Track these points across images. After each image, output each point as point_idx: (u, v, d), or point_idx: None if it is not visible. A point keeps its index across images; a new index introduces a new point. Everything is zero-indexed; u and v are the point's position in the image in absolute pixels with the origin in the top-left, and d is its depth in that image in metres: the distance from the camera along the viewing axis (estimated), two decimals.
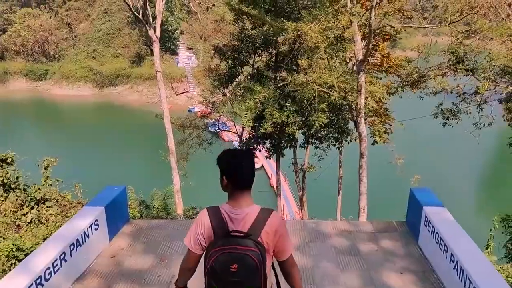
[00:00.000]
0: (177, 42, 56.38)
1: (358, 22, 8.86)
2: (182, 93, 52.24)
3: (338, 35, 10.54)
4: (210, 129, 29.39)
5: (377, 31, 9.53)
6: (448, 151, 34.14)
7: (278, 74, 13.27)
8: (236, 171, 2.17)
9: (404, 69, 15.26)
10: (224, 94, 16.65)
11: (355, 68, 9.98)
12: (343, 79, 10.05)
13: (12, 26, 57.94)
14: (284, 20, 10.02)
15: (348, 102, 11.16)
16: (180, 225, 5.61)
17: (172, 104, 49.06)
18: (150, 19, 12.69)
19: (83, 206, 12.65)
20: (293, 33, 8.91)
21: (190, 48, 57.18)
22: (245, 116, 10.80)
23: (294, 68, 12.65)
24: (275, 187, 22.13)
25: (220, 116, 18.15)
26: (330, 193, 21.34)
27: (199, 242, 2.19)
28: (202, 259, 2.21)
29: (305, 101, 11.46)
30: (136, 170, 31.31)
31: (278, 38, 11.97)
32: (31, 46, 58.51)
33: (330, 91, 10.27)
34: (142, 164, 33.57)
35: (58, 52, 59.14)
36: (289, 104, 12.34)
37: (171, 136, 13.90)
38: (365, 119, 10.79)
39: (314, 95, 10.00)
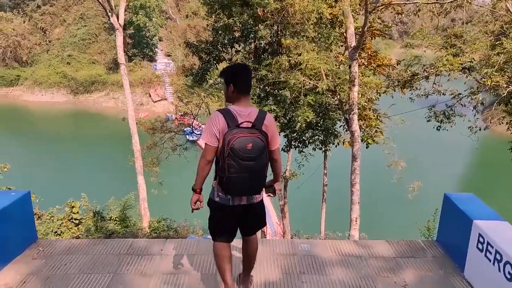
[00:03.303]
0: (156, 49, 54.76)
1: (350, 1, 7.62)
2: (160, 100, 50.41)
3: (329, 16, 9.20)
4: (187, 138, 27.82)
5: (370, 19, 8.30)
6: (443, 153, 33.43)
7: (258, 72, 11.91)
8: (241, 78, 2.77)
9: (394, 68, 14.22)
10: (199, 95, 15.13)
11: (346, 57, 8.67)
12: (333, 68, 8.72)
13: None
14: None
15: (338, 97, 9.82)
16: (113, 248, 3.83)
17: (149, 112, 47.19)
18: (113, 4, 11.15)
19: (39, 217, 11.00)
20: (276, 3, 7.53)
21: (169, 55, 55.62)
22: None
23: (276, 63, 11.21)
24: None
25: (194, 120, 16.55)
26: (314, 203, 19.99)
27: (215, 135, 2.66)
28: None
29: (288, 97, 10.06)
30: (104, 178, 29.37)
31: (259, 26, 10.57)
32: (3, 51, 55.93)
33: (317, 83, 8.92)
34: (111, 172, 31.57)
35: (31, 58, 56.64)
36: (270, 103, 10.95)
37: (136, 138, 12.30)
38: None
39: (300, 86, 8.61)
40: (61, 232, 9.82)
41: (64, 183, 26.22)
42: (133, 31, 52.17)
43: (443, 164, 32.00)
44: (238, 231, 3.01)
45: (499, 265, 2.76)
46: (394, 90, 13.42)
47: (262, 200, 2.93)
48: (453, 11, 12.55)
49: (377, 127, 13.35)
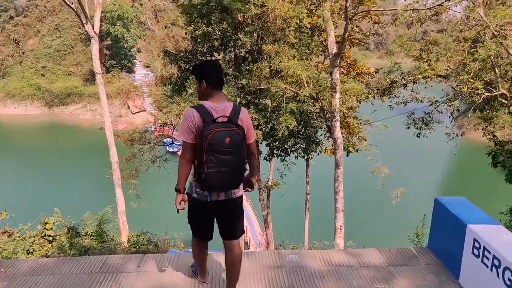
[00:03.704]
0: (134, 60, 54.09)
1: (330, 7, 7.62)
2: (139, 111, 49.63)
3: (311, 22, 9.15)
4: (168, 149, 27.32)
5: (352, 23, 8.32)
6: (423, 159, 33.96)
7: (238, 81, 11.76)
8: (213, 73, 2.78)
9: (373, 76, 14.39)
10: (178, 104, 14.83)
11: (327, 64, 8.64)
12: (314, 75, 8.66)
13: None
14: None
15: (319, 104, 9.76)
16: (84, 266, 3.51)
17: (128, 123, 46.35)
18: (87, 12, 10.83)
19: (9, 235, 10.40)
20: (257, 9, 7.40)
21: (148, 66, 55.04)
22: None
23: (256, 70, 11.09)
24: None
25: (174, 130, 16.21)
26: (297, 212, 19.87)
27: (192, 131, 2.66)
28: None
29: (269, 106, 9.93)
30: (81, 191, 28.47)
31: (239, 34, 10.45)
32: None
33: (299, 90, 8.84)
34: (88, 185, 30.63)
35: (3, 69, 54.95)
36: (252, 111, 10.80)
37: (114, 149, 11.90)
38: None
39: (281, 94, 8.50)
40: (33, 250, 9.28)
41: (39, 198, 25.22)
42: (110, 42, 51.44)
43: (423, 170, 32.59)
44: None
45: (497, 271, 2.63)
46: (374, 98, 13.54)
47: (241, 196, 2.89)
48: (428, 21, 12.86)
49: (357, 135, 13.42)
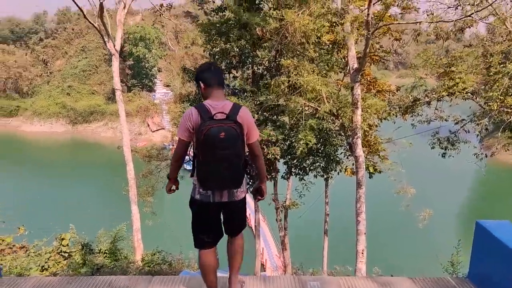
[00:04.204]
0: (155, 79, 55.33)
1: (352, 21, 7.39)
2: (158, 129, 50.27)
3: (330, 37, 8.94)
4: (185, 166, 27.33)
5: (373, 37, 8.04)
6: (448, 180, 32.64)
7: (256, 97, 11.61)
8: (209, 73, 2.82)
9: (394, 94, 13.99)
10: None
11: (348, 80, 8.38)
12: (334, 91, 8.39)
13: None
14: (265, 5, 8.30)
15: (340, 121, 9.43)
16: (88, 287, 3.21)
17: (147, 141, 46.96)
18: (109, 30, 11.01)
19: (27, 250, 10.36)
20: (276, 23, 7.24)
21: (168, 86, 56.14)
22: None
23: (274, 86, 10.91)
24: (253, 227, 19.76)
25: (191, 147, 16.11)
26: (315, 233, 19.23)
27: (188, 129, 2.67)
28: None
29: (287, 123, 9.67)
30: (98, 208, 28.65)
31: (257, 52, 10.36)
32: (4, 82, 56.67)
33: (318, 106, 8.57)
34: (106, 202, 30.83)
35: (31, 89, 57.29)
36: (269, 128, 10.56)
37: (131, 165, 11.82)
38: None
39: (300, 110, 8.24)
40: (48, 267, 9.18)
41: (57, 214, 25.49)
42: (132, 62, 52.93)
43: (449, 191, 31.27)
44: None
45: None
46: (396, 116, 13.09)
47: (244, 198, 2.88)
48: (450, 39, 12.46)
49: (379, 154, 12.94)
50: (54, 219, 21.49)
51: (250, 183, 7.75)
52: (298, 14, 6.84)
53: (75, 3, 9.32)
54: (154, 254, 10.88)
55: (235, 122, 2.63)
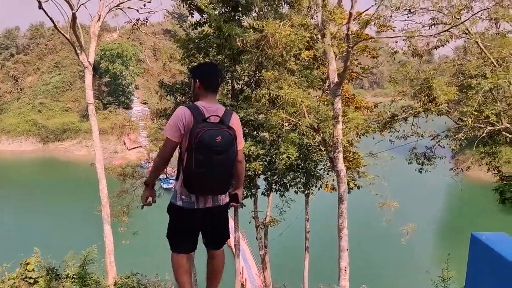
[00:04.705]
0: (132, 97, 54.52)
1: (332, 35, 7.41)
2: (135, 147, 49.22)
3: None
4: (162, 185, 26.61)
5: (352, 51, 8.07)
6: (425, 194, 33.07)
7: (235, 111, 11.41)
8: (209, 74, 2.73)
9: (372, 111, 14.20)
10: None
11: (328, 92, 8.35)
12: (315, 105, 8.33)
13: None
14: (245, 20, 8.26)
15: (320, 135, 9.37)
16: None
17: (123, 159, 45.74)
18: (83, 43, 10.67)
19: None
20: (256, 34, 7.14)
21: (145, 103, 55.40)
22: None
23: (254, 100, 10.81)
24: (232, 246, 19.26)
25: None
26: (296, 250, 18.94)
27: (179, 130, 2.53)
28: None
29: (268, 137, 9.53)
30: (69, 229, 27.37)
31: (237, 67, 10.26)
32: None
33: (299, 120, 8.47)
34: (77, 222, 29.51)
35: (0, 106, 55.07)
36: (249, 143, 10.37)
37: (104, 183, 11.30)
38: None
39: (281, 125, 8.12)
40: None
41: (22, 236, 24.12)
42: (109, 79, 52.06)
43: (427, 206, 31.77)
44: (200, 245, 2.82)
45: None
46: (374, 132, 13.24)
47: (227, 204, 2.78)
48: (427, 54, 12.84)
49: (358, 170, 12.98)
50: (19, 242, 20.31)
51: None
52: (279, 26, 6.81)
53: (45, 13, 8.96)
54: (128, 277, 10.32)
55: (228, 127, 2.55)
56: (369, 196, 12.10)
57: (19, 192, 37.42)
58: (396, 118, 12.62)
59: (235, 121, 2.67)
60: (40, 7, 9.16)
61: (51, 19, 9.34)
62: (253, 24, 7.58)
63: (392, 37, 8.60)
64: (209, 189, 2.58)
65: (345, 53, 10.26)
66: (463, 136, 11.02)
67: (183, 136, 2.54)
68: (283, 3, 9.33)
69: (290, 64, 7.71)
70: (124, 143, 49.78)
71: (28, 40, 62.04)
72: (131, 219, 15.21)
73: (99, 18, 10.77)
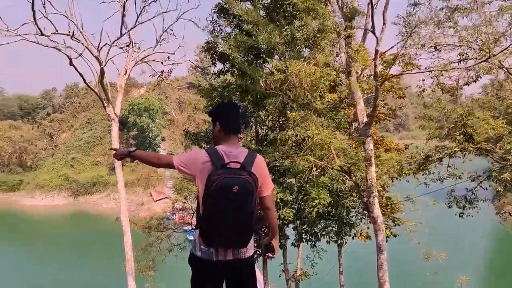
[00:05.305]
0: (158, 148, 55.80)
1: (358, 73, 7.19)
2: (161, 199, 49.36)
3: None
4: (188, 237, 26.04)
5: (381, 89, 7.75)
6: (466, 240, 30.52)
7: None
8: (229, 116, 2.55)
9: (402, 153, 13.54)
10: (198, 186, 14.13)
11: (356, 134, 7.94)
12: (344, 146, 7.91)
13: None
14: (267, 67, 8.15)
15: (352, 179, 8.82)
16: None
17: (149, 212, 45.71)
18: (109, 96, 10.94)
19: None
20: (280, 75, 6.96)
21: (171, 154, 56.41)
22: None
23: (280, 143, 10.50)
24: None
25: (194, 216, 15.30)
26: None
27: (186, 166, 2.43)
28: None
29: (295, 183, 9.06)
30: (96, 283, 26.88)
31: (260, 113, 10.14)
32: (8, 157, 57.09)
33: (328, 165, 8.02)
34: (100, 277, 29.02)
35: (35, 162, 57.52)
36: (277, 190, 9.92)
37: (129, 236, 11.00)
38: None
39: (309, 169, 7.70)
40: None
41: None
42: (136, 132, 53.77)
43: (472, 253, 29.17)
44: None
45: None
46: (408, 174, 12.49)
47: (252, 257, 2.54)
48: (456, 92, 12.35)
49: (393, 217, 12.12)
50: None
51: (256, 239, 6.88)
52: (304, 65, 6.66)
53: (76, 69, 9.33)
54: None
55: (249, 174, 2.35)
56: (407, 245, 11.13)
57: (48, 247, 37.68)
58: (430, 159, 11.92)
59: (258, 165, 2.46)
60: (71, 63, 9.54)
61: (80, 74, 9.72)
62: (276, 64, 7.49)
63: (424, 71, 8.28)
64: (227, 243, 2.38)
65: (371, 94, 10.00)
66: (509, 177, 10.15)
67: (195, 178, 2.39)
68: (303, 47, 9.30)
69: (316, 104, 7.47)
70: (151, 195, 50.12)
71: (63, 99, 65.93)
72: (156, 273, 14.66)
73: (126, 72, 11.15)
